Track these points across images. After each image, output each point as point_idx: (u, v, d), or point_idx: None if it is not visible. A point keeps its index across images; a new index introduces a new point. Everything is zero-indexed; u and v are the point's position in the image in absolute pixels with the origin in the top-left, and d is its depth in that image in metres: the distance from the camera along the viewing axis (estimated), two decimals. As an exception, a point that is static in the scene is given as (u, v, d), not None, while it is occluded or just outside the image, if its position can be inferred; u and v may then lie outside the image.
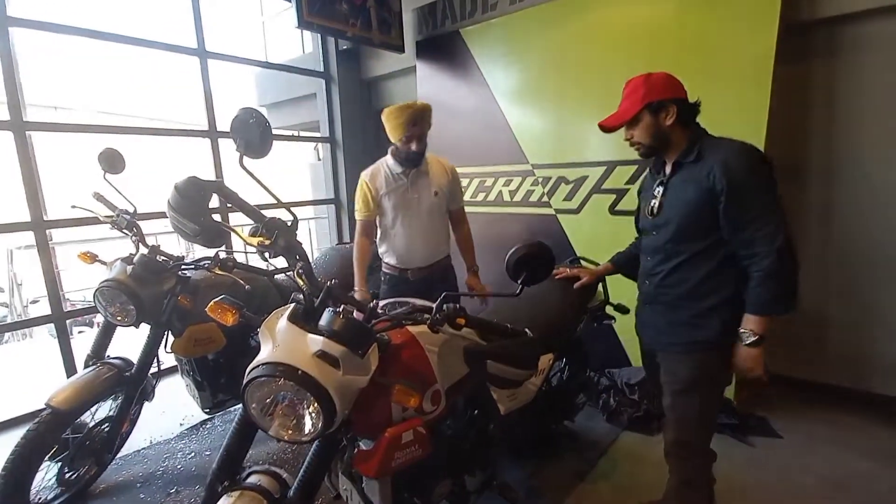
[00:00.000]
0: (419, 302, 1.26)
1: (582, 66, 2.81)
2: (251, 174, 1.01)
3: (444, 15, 3.52)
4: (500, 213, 3.37)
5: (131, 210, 2.02)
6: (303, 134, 6.26)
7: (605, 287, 1.88)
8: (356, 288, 2.23)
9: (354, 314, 1.02)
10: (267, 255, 1.02)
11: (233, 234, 1.11)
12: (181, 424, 2.61)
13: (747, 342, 1.28)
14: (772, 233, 1.20)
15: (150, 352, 1.91)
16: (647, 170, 1.61)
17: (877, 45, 2.26)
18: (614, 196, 2.78)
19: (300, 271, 1.00)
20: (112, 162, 1.88)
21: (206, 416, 2.62)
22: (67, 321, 2.77)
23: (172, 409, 2.71)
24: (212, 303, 1.04)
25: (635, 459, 2.10)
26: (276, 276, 2.27)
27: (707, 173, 1.27)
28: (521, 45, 3.10)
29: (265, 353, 0.94)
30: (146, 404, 2.06)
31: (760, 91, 2.19)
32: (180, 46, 3.12)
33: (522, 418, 1.55)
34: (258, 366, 0.92)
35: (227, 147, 3.36)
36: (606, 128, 1.43)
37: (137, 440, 2.36)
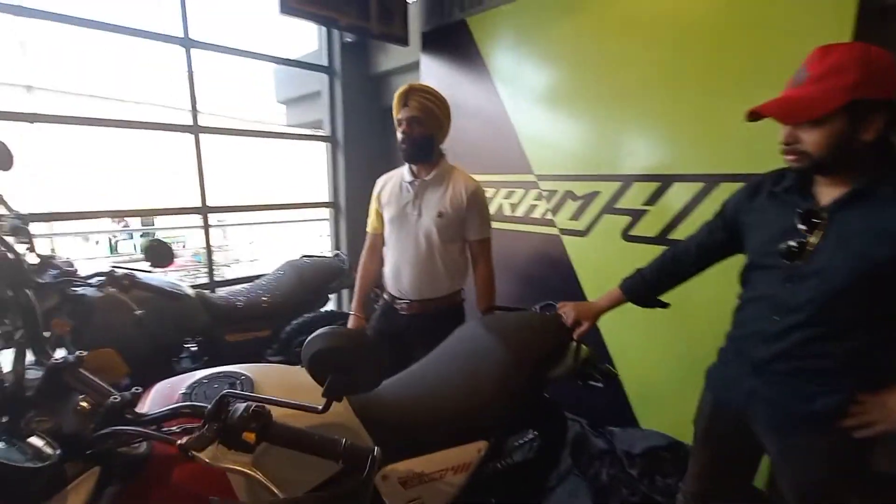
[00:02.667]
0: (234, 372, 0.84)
1: (601, 62, 2.31)
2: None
3: (451, 2, 3.13)
4: (498, 229, 2.93)
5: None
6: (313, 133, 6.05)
7: (595, 337, 1.42)
8: (352, 312, 1.91)
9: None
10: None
11: None
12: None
13: None
14: None
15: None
16: (761, 182, 1.13)
17: None
18: (629, 218, 2.28)
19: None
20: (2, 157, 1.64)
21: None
22: None
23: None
24: None
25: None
26: (207, 293, 1.98)
27: None
28: (531, 35, 2.65)
29: None
30: None
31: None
32: (163, 35, 2.93)
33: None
34: None
35: (211, 143, 3.15)
36: (760, 115, 0.99)
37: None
